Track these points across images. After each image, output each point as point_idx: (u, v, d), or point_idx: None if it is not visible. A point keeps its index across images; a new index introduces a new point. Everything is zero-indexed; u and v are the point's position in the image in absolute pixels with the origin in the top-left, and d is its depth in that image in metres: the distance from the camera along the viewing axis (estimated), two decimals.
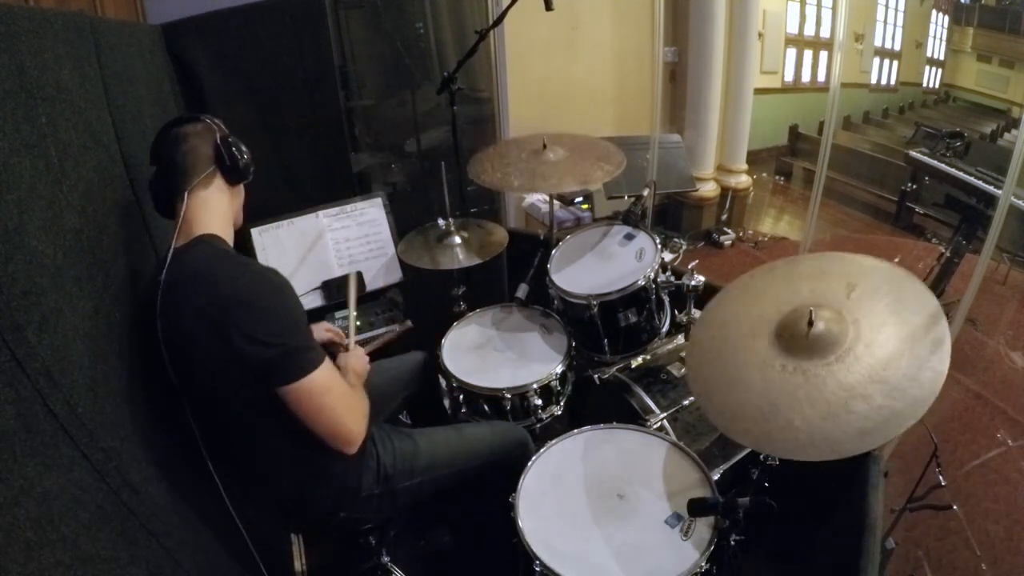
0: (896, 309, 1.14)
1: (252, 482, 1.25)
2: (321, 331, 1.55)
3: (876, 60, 5.37)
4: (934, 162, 3.09)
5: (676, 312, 1.81)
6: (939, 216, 3.77)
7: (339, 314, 1.84)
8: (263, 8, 1.99)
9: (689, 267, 1.79)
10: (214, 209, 1.19)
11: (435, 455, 1.37)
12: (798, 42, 5.24)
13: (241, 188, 1.27)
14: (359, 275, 1.89)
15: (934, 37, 5.11)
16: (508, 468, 1.34)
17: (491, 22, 1.90)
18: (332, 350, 1.48)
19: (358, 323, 1.94)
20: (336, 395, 1.11)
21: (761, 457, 1.33)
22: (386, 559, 1.54)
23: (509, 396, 1.62)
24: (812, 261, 1.33)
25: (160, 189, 1.19)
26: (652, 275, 1.66)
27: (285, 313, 1.07)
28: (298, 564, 1.70)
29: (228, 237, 1.20)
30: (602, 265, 1.80)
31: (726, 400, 1.15)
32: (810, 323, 1.13)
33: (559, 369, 1.68)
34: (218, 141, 1.20)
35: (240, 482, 1.24)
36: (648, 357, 1.77)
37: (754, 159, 4.61)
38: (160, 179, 1.18)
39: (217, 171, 1.20)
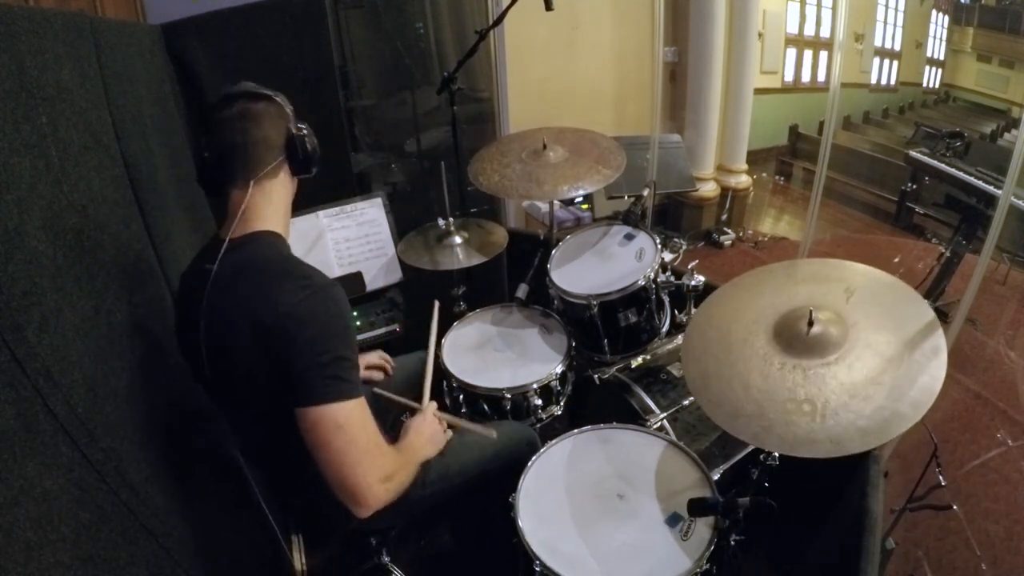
0: (894, 316, 1.15)
1: (266, 481, 1.24)
2: (373, 357, 1.54)
3: (876, 60, 5.37)
4: (934, 162, 3.10)
5: (676, 312, 1.81)
6: (939, 216, 3.77)
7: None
8: (263, 8, 1.99)
9: (689, 267, 1.79)
10: (276, 202, 1.11)
11: (447, 464, 1.33)
12: (798, 42, 5.24)
13: (297, 179, 1.18)
14: (439, 307, 1.69)
15: (934, 37, 5.11)
16: (516, 469, 1.33)
17: (491, 22, 1.91)
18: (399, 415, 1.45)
19: (359, 322, 1.94)
20: (347, 439, 0.98)
21: (761, 457, 1.33)
22: (386, 559, 1.54)
23: (509, 396, 1.62)
24: (810, 266, 1.34)
25: (215, 169, 1.08)
26: (652, 275, 1.66)
27: (334, 338, 0.99)
28: (298, 564, 1.70)
29: (286, 233, 1.13)
30: (602, 265, 1.80)
31: (724, 396, 1.15)
32: (810, 323, 1.14)
33: (559, 369, 1.68)
34: (291, 129, 1.10)
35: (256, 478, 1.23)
36: (648, 357, 1.77)
37: (754, 159, 4.60)
38: (217, 159, 1.07)
39: (285, 161, 1.11)
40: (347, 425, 0.98)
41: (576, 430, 1.42)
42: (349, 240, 1.97)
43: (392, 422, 1.41)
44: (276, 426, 1.07)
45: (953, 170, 2.96)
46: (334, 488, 1.00)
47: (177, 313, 1.13)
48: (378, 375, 1.61)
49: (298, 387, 0.97)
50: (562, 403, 1.73)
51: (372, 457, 1.02)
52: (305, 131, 1.12)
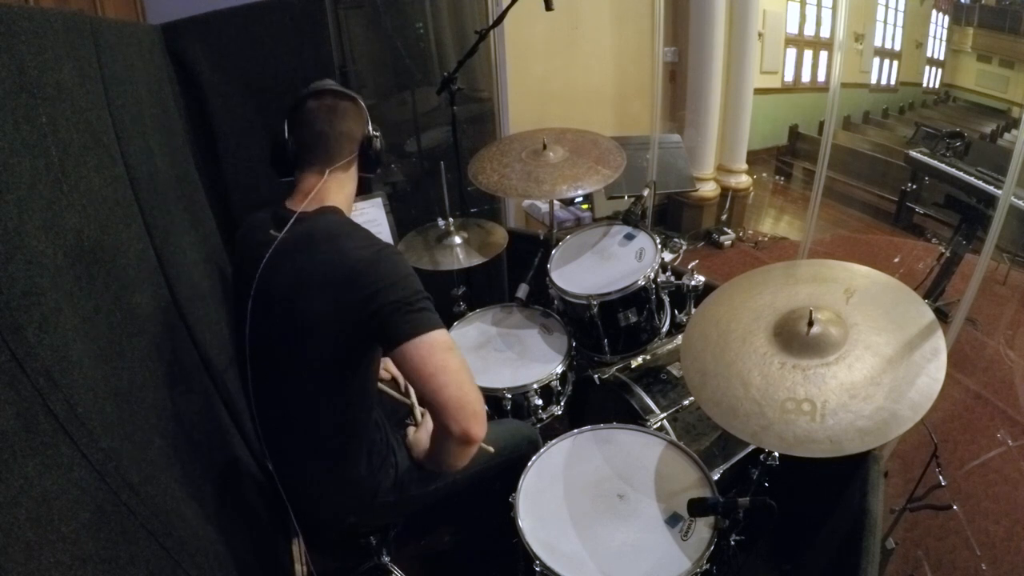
0: (894, 317, 1.15)
1: (278, 466, 1.24)
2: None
3: (876, 60, 5.37)
4: (934, 162, 3.10)
5: (676, 312, 1.81)
6: (939, 216, 3.77)
7: None
8: (263, 8, 1.99)
9: (689, 267, 1.79)
10: (346, 190, 1.22)
11: None
12: (798, 42, 5.24)
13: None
14: None
15: (934, 37, 5.11)
16: (516, 468, 1.33)
17: (491, 22, 1.91)
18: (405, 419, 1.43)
19: None
20: (460, 359, 1.01)
21: (761, 457, 1.33)
22: (386, 559, 1.54)
23: (510, 396, 1.62)
24: (810, 266, 1.34)
25: (295, 153, 1.18)
26: (652, 275, 1.66)
27: (414, 280, 1.06)
28: (298, 564, 1.70)
29: (348, 214, 1.21)
30: (602, 265, 1.80)
31: (723, 394, 1.15)
32: (810, 323, 1.14)
33: (559, 369, 1.68)
34: (368, 131, 1.22)
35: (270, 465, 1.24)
36: (648, 357, 1.77)
37: (754, 159, 4.60)
38: (299, 144, 1.18)
39: (357, 158, 1.22)
40: (455, 347, 1.03)
41: (576, 430, 1.42)
42: None
43: (399, 421, 1.41)
44: (315, 397, 1.11)
45: (953, 170, 2.96)
46: (456, 411, 0.98)
47: (235, 279, 1.20)
48: (386, 374, 1.61)
49: (401, 324, 0.99)
50: (562, 403, 1.73)
51: (473, 383, 1.03)
52: (377, 134, 1.24)
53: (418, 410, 1.40)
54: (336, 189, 1.19)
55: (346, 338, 1.05)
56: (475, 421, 0.99)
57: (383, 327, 1.00)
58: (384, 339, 1.02)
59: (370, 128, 1.23)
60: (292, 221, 1.10)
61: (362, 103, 1.23)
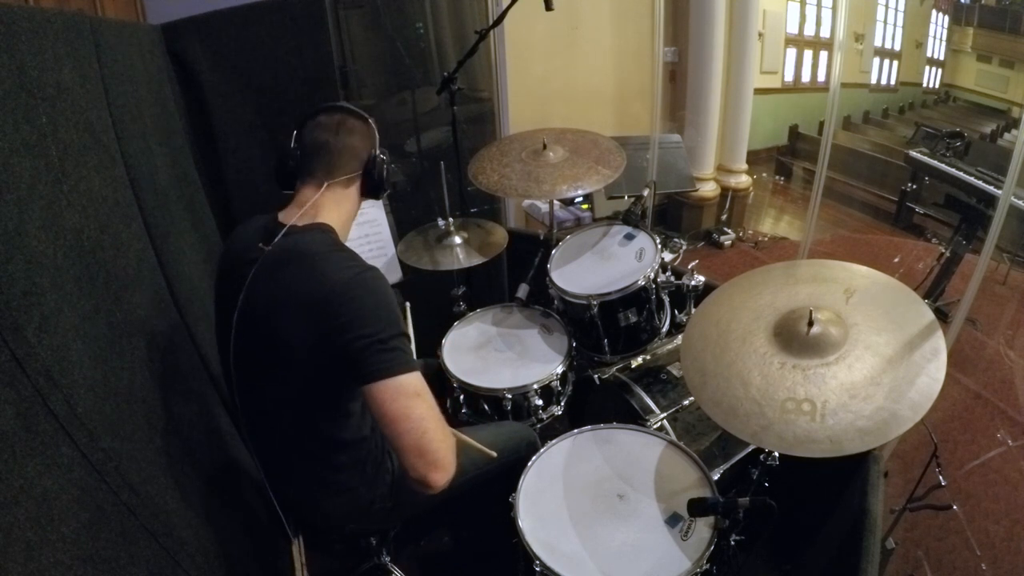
0: (894, 317, 1.15)
1: (270, 476, 1.23)
2: None
3: (876, 60, 5.36)
4: (934, 162, 3.10)
5: (676, 312, 1.81)
6: (939, 216, 3.77)
7: None
8: (263, 8, 1.99)
9: (689, 267, 1.79)
10: (343, 209, 1.18)
11: None
12: (798, 42, 5.24)
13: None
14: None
15: (934, 37, 5.11)
16: (516, 469, 1.33)
17: (491, 22, 1.91)
18: None
19: None
20: (427, 405, 1.00)
21: (761, 457, 1.33)
22: (386, 559, 1.54)
23: (510, 396, 1.62)
24: (810, 266, 1.34)
25: (298, 164, 1.16)
26: (652, 275, 1.66)
27: (388, 314, 1.03)
28: (298, 564, 1.70)
29: (343, 237, 1.18)
30: (602, 265, 1.80)
31: (723, 394, 1.15)
32: (810, 323, 1.14)
33: (560, 369, 1.68)
34: (375, 152, 1.19)
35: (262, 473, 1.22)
36: (648, 357, 1.77)
37: (754, 159, 4.61)
38: (302, 154, 1.15)
39: (359, 178, 1.19)
40: (423, 392, 1.01)
41: (576, 430, 1.42)
42: (349, 240, 1.94)
43: None
44: (301, 411, 1.10)
45: (953, 170, 2.96)
46: (415, 458, 0.97)
47: (218, 286, 1.17)
48: None
49: (368, 363, 0.97)
50: (563, 403, 1.73)
51: (443, 423, 1.03)
52: (385, 157, 1.20)
53: None
54: (332, 205, 1.15)
55: (325, 360, 1.03)
56: (433, 469, 0.97)
57: (352, 363, 0.98)
58: (353, 374, 1.00)
59: (378, 150, 1.20)
60: (281, 234, 1.08)
61: (373, 125, 1.21)
